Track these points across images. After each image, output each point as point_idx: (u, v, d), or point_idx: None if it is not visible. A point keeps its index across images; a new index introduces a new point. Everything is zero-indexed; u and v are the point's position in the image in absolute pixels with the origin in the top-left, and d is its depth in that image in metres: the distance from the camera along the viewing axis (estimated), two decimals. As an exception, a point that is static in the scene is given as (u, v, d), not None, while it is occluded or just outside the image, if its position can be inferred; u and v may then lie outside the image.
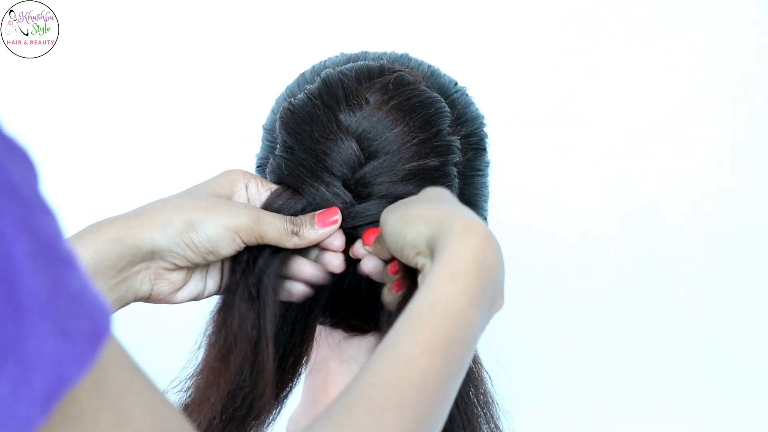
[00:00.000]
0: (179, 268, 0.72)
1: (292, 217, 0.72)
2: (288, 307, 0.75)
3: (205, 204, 0.70)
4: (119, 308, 0.71)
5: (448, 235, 0.61)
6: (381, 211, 0.70)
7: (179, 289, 0.73)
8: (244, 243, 0.70)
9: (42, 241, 0.40)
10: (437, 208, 0.64)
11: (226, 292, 0.73)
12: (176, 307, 0.76)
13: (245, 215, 0.70)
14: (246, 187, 0.74)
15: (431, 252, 0.62)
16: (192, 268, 0.73)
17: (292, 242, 0.71)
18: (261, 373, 0.70)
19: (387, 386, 0.54)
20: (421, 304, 0.58)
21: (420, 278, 0.64)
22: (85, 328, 0.41)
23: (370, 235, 0.71)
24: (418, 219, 0.64)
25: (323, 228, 0.72)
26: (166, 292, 0.72)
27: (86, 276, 0.43)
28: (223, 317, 0.72)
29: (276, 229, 0.70)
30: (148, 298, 0.72)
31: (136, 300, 0.72)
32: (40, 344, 0.39)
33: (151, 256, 0.70)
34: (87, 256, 0.67)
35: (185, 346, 0.75)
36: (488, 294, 0.60)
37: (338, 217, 0.72)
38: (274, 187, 0.75)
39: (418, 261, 0.64)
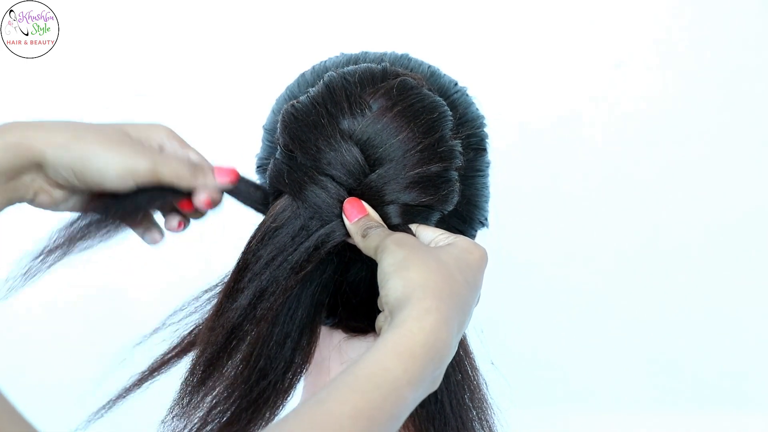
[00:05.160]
0: (63, 187, 0.73)
1: (193, 164, 0.74)
2: (295, 308, 0.76)
3: (106, 139, 0.71)
4: (5, 207, 0.73)
5: (408, 310, 0.63)
6: (389, 216, 0.71)
7: (60, 203, 0.74)
8: (137, 185, 0.72)
9: None
10: (426, 273, 0.66)
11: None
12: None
13: (145, 156, 0.71)
14: (164, 142, 0.76)
15: (392, 309, 0.65)
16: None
17: (186, 183, 0.73)
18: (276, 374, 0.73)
19: None
20: (360, 370, 0.60)
21: (377, 322, 0.68)
22: None
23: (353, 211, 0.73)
24: (404, 274, 0.66)
25: (222, 183, 0.75)
26: (46, 203, 0.74)
27: None
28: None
29: (171, 170, 0.72)
30: (31, 203, 0.74)
31: (20, 202, 0.74)
32: None
33: (39, 169, 0.71)
34: None
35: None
36: (428, 376, 0.63)
37: (232, 178, 0.75)
38: (191, 149, 0.76)
39: (384, 307, 0.67)
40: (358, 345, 0.80)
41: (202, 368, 0.73)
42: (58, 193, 0.73)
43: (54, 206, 0.74)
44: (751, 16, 1.60)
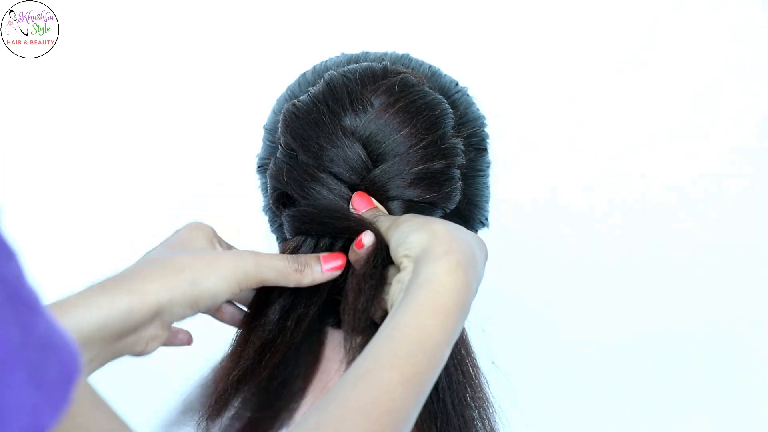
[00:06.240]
0: (171, 324, 0.70)
1: (296, 255, 0.72)
2: (303, 314, 0.76)
3: (205, 258, 0.68)
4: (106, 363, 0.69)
5: (438, 263, 0.63)
6: (392, 212, 0.72)
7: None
8: (242, 290, 0.70)
9: (7, 288, 0.40)
10: (449, 231, 0.66)
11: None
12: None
13: (244, 262, 0.69)
14: (217, 244, 0.74)
15: (416, 261, 0.65)
16: None
17: (294, 281, 0.71)
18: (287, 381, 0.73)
19: (360, 410, 0.56)
20: (403, 334, 0.60)
21: (396, 279, 0.67)
22: (56, 373, 0.41)
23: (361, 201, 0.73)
24: (428, 230, 0.66)
25: (328, 272, 0.72)
26: (154, 348, 0.70)
27: (50, 315, 0.42)
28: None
29: (276, 272, 0.70)
30: (139, 355, 0.70)
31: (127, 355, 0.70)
32: (14, 397, 0.39)
33: (152, 322, 0.67)
34: (91, 322, 0.63)
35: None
36: (458, 332, 0.64)
37: (342, 262, 0.72)
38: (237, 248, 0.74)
39: (403, 261, 0.66)
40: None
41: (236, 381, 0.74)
42: (166, 333, 0.69)
43: (159, 345, 0.70)
44: (753, 16, 1.60)
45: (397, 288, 0.67)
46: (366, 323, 0.69)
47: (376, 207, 0.72)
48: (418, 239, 0.65)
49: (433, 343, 0.60)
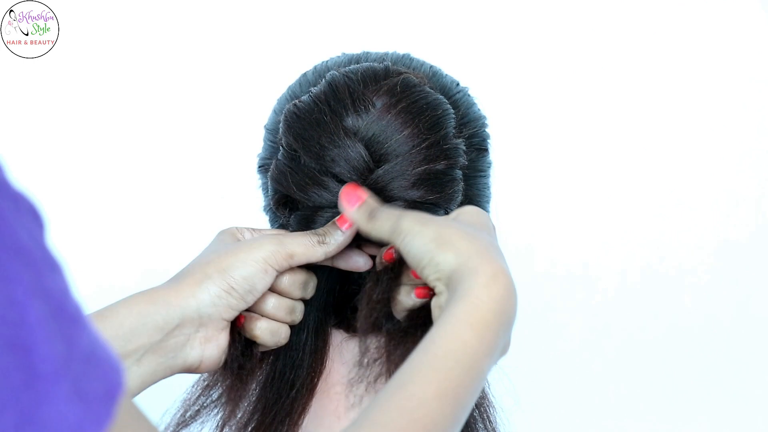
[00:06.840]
0: (227, 325, 0.71)
1: (314, 230, 0.72)
2: (307, 313, 0.76)
3: (227, 249, 0.71)
4: (166, 376, 0.70)
5: (473, 278, 0.62)
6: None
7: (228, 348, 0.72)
8: (276, 270, 0.70)
9: (52, 301, 0.40)
10: (471, 241, 0.64)
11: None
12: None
13: (268, 242, 0.70)
14: (243, 235, 0.76)
15: (449, 283, 0.63)
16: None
17: (321, 251, 0.71)
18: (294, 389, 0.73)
19: (396, 427, 0.55)
20: (438, 347, 0.59)
21: (434, 305, 0.65)
22: (99, 388, 0.41)
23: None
24: (451, 247, 0.64)
25: (349, 229, 0.72)
26: (216, 356, 0.71)
27: (94, 330, 0.43)
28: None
29: (301, 244, 0.71)
30: (198, 367, 0.72)
31: (183, 370, 0.71)
32: (57, 412, 0.39)
33: (199, 319, 0.69)
34: (130, 316, 0.67)
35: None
36: (500, 344, 0.62)
37: (350, 222, 0.72)
38: (268, 229, 0.76)
39: (437, 285, 0.65)
40: (353, 345, 0.80)
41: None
42: (223, 338, 0.71)
43: (222, 355, 0.72)
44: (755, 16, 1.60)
45: (438, 314, 0.65)
46: (381, 320, 0.69)
47: (365, 201, 0.69)
48: (444, 260, 0.63)
49: (471, 355, 0.59)
